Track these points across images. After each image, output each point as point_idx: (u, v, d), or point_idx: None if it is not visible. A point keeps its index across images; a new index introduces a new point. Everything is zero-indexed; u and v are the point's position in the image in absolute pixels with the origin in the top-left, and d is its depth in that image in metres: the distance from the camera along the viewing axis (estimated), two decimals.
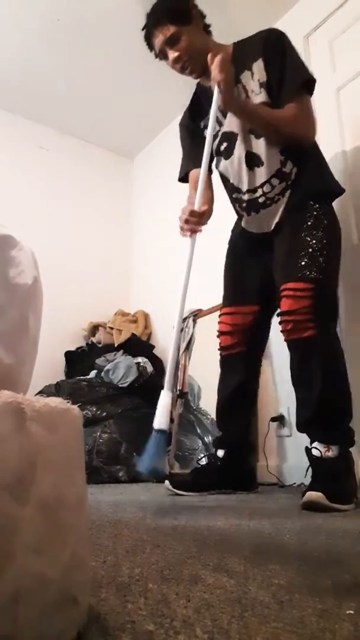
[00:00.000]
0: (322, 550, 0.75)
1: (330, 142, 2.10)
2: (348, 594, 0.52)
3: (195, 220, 1.53)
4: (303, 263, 1.42)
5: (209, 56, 1.50)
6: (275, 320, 1.57)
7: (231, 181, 1.69)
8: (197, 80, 1.74)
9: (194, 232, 1.54)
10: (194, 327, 2.52)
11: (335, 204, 1.93)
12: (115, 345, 2.85)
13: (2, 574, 0.31)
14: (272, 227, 1.60)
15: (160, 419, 1.30)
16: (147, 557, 0.68)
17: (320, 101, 2.18)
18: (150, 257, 3.31)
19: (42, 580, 0.34)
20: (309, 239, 1.45)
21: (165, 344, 2.94)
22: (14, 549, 0.32)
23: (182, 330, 2.48)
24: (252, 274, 1.69)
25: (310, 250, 1.43)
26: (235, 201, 1.72)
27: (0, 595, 0.31)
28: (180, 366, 2.43)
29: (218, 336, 1.73)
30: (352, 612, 0.46)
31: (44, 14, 2.45)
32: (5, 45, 2.64)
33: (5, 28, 2.53)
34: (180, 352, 2.46)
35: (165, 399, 1.34)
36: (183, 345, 2.48)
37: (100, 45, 2.61)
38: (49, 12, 2.44)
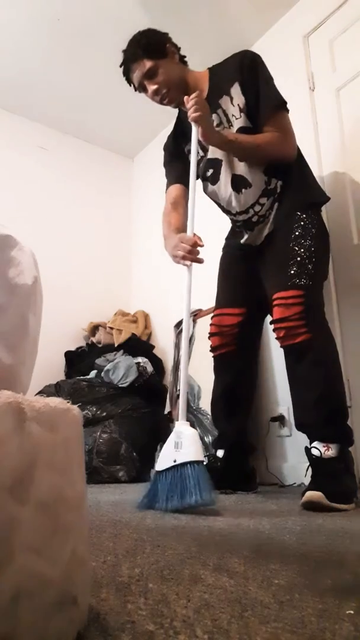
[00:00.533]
0: (322, 550, 0.75)
1: (331, 142, 2.10)
2: (348, 594, 0.52)
3: (197, 251, 1.49)
4: (292, 272, 1.45)
5: (185, 98, 1.53)
6: (270, 324, 1.58)
7: (221, 204, 1.74)
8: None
9: (197, 262, 1.49)
10: (194, 327, 2.52)
11: (334, 204, 1.94)
12: (115, 345, 2.85)
13: (2, 574, 0.31)
14: (263, 239, 1.65)
15: (197, 450, 1.21)
16: (147, 557, 0.68)
17: (320, 101, 2.18)
18: (150, 257, 3.31)
19: (42, 580, 0.34)
20: (297, 248, 1.48)
21: (165, 344, 2.94)
22: (14, 549, 0.32)
23: (181, 331, 2.48)
24: (242, 280, 1.73)
25: (299, 259, 1.47)
26: (230, 220, 1.78)
27: (0, 595, 0.31)
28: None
29: (209, 337, 1.76)
30: (352, 612, 0.46)
31: (44, 13, 2.45)
32: (5, 44, 2.64)
33: (5, 28, 2.53)
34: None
35: (190, 429, 1.26)
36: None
37: (101, 45, 2.61)
38: (49, 11, 2.44)
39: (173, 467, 1.20)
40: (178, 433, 1.26)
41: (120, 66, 1.65)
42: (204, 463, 1.22)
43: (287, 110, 1.57)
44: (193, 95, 1.51)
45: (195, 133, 1.56)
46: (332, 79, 2.14)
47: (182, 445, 1.22)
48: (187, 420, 1.33)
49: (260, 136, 1.54)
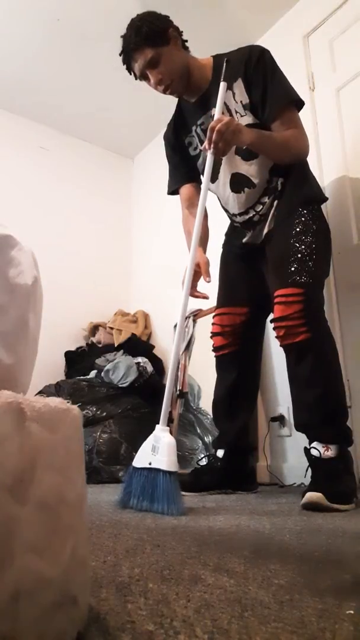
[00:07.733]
0: (322, 550, 0.75)
1: (331, 142, 2.10)
2: (348, 594, 0.52)
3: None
4: (293, 269, 1.44)
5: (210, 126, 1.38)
6: (270, 323, 1.58)
7: (221, 202, 1.74)
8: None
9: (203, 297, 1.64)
10: (194, 327, 2.52)
11: (335, 204, 1.93)
12: (115, 345, 2.85)
13: (2, 574, 0.31)
14: (263, 237, 1.64)
15: (171, 461, 1.20)
16: (147, 557, 0.68)
17: (320, 101, 2.18)
18: (150, 257, 3.31)
19: (42, 580, 0.34)
20: (297, 245, 1.47)
21: (165, 344, 2.94)
22: (14, 549, 0.32)
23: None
24: (243, 278, 1.73)
25: (299, 255, 1.45)
26: (229, 218, 1.77)
27: (0, 595, 0.31)
28: (180, 366, 2.43)
29: (211, 337, 1.75)
30: (352, 612, 0.46)
31: (44, 14, 2.45)
32: (5, 45, 2.64)
33: (5, 28, 2.53)
34: (180, 352, 2.45)
35: (168, 437, 1.24)
36: (183, 345, 2.48)
37: (100, 45, 2.61)
38: (49, 12, 2.44)
39: (148, 469, 1.21)
40: (157, 437, 1.25)
41: (120, 54, 1.58)
42: (177, 473, 1.20)
43: (296, 107, 1.53)
44: (210, 130, 1.37)
45: (209, 162, 1.46)
46: (332, 79, 2.14)
47: (159, 451, 1.22)
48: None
49: (279, 133, 1.48)
